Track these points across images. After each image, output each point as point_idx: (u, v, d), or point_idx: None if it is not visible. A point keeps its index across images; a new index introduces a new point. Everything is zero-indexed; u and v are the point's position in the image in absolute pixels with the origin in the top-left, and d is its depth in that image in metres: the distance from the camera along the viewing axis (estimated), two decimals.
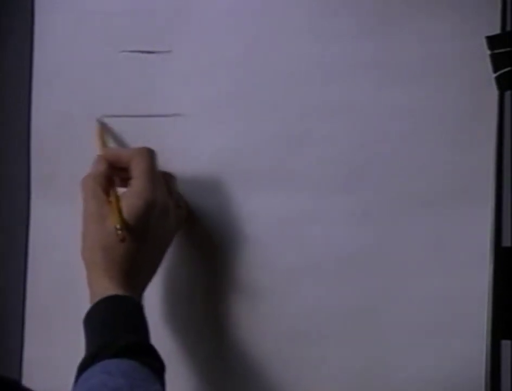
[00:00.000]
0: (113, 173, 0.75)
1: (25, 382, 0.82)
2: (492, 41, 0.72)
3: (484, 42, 0.72)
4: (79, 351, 0.80)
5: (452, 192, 0.75)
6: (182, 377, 0.79)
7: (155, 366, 0.68)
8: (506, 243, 0.73)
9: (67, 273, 0.83)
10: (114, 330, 0.69)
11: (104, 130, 0.80)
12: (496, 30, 0.73)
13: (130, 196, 0.72)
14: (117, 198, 0.72)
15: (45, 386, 0.82)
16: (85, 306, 0.81)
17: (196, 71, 0.80)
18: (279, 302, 0.78)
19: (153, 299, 0.78)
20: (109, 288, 0.70)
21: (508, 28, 0.73)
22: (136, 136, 0.81)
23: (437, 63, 0.75)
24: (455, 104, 0.74)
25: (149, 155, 0.74)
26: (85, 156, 0.82)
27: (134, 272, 0.71)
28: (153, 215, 0.72)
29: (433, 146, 0.75)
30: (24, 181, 0.84)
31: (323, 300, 0.77)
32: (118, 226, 0.70)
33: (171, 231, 0.76)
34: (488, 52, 0.72)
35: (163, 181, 0.75)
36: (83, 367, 0.67)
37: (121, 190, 0.75)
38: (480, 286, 0.73)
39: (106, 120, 0.82)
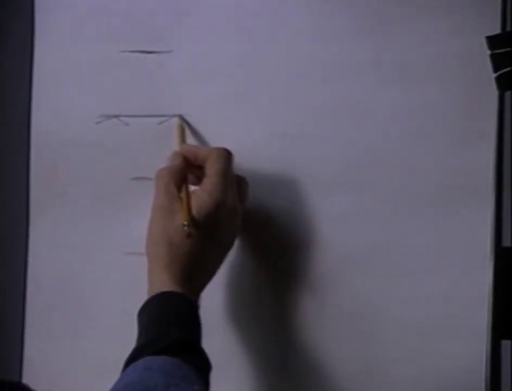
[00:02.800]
0: (188, 170, 0.75)
1: (25, 382, 0.82)
2: (492, 41, 0.71)
3: (484, 42, 0.72)
4: (79, 351, 0.81)
5: (452, 192, 0.75)
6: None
7: (200, 365, 0.67)
8: (506, 242, 0.73)
9: (67, 273, 0.83)
10: (163, 326, 0.68)
11: (185, 127, 0.80)
12: (496, 30, 0.73)
13: (201, 194, 0.72)
14: (188, 194, 0.72)
15: (45, 387, 0.82)
16: (86, 306, 0.81)
17: (196, 72, 0.80)
18: (280, 303, 0.78)
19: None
20: (167, 284, 0.70)
21: (508, 28, 0.73)
22: (136, 136, 0.81)
23: (437, 63, 0.75)
24: (455, 104, 0.75)
25: (226, 156, 0.74)
26: (86, 156, 0.83)
27: (196, 271, 0.71)
28: (221, 215, 0.72)
29: (433, 146, 0.75)
30: (24, 181, 0.84)
31: (322, 300, 0.77)
32: (185, 222, 0.70)
33: (236, 233, 0.76)
34: (489, 52, 0.72)
35: (235, 184, 0.75)
36: (130, 360, 0.67)
37: (194, 188, 0.74)
38: (480, 286, 0.73)
39: (106, 119, 0.82)
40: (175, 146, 0.78)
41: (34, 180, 0.84)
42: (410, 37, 0.76)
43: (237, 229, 0.75)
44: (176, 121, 0.80)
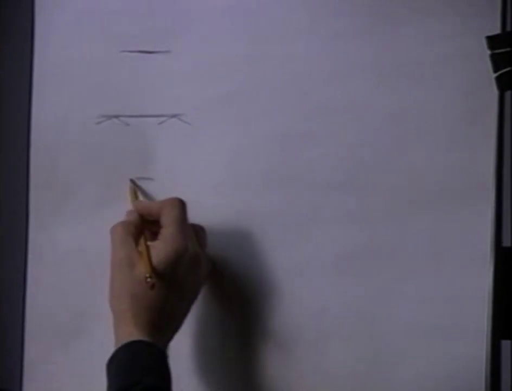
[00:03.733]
0: (144, 226, 0.75)
1: (26, 383, 0.82)
2: (492, 41, 0.72)
3: (484, 42, 0.72)
4: (79, 352, 0.80)
5: (451, 192, 0.75)
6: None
7: None
8: (506, 243, 0.73)
9: (67, 274, 0.83)
10: (134, 374, 0.68)
11: (136, 188, 0.81)
12: (496, 30, 0.73)
13: (159, 244, 0.72)
14: (147, 245, 0.72)
15: (45, 387, 0.82)
16: (85, 306, 0.81)
17: (195, 72, 0.80)
18: (278, 300, 0.78)
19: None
20: (134, 334, 0.70)
21: (508, 28, 0.73)
22: (136, 136, 0.81)
23: (437, 63, 0.75)
24: (455, 104, 0.75)
25: (179, 205, 0.75)
26: (86, 156, 0.83)
27: (161, 320, 0.71)
28: (183, 263, 0.72)
29: (433, 146, 0.75)
30: (24, 181, 0.84)
31: (322, 300, 0.77)
32: (147, 274, 0.70)
33: (201, 281, 0.76)
34: (489, 52, 0.72)
35: (193, 232, 0.75)
36: None
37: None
38: (480, 286, 0.73)
39: (106, 119, 0.82)
40: (129, 206, 0.78)
41: (34, 180, 0.84)
42: (410, 37, 0.76)
43: (201, 276, 0.75)
44: (128, 184, 0.81)
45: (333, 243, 0.77)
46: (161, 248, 0.72)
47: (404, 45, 0.76)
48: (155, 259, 0.71)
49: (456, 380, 0.73)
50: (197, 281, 0.75)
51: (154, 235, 0.75)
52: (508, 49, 0.71)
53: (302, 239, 0.78)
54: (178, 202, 0.75)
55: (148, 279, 0.69)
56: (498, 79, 0.72)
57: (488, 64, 0.72)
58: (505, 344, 0.72)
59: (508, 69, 0.71)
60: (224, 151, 0.80)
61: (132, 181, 0.81)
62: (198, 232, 0.76)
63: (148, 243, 0.73)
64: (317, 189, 0.78)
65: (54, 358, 0.83)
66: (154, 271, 0.70)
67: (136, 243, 0.74)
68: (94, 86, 0.83)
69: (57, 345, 0.83)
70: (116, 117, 0.82)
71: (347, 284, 0.77)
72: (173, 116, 0.81)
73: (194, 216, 0.78)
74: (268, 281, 0.78)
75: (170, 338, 0.73)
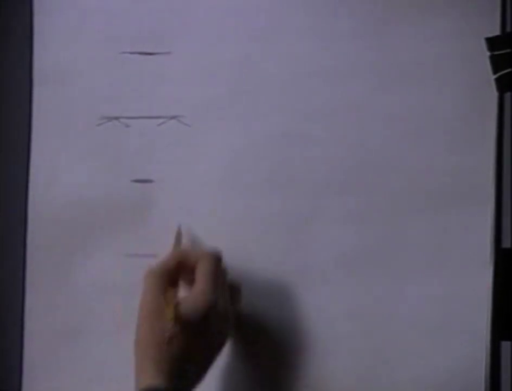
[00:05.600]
0: (180, 272, 0.75)
1: (26, 383, 0.82)
2: (492, 43, 0.72)
3: (484, 43, 0.72)
4: (80, 352, 0.80)
5: (452, 193, 0.75)
6: None
7: None
8: (506, 244, 0.73)
9: (67, 274, 0.83)
10: None
11: (181, 235, 0.80)
12: (496, 31, 0.73)
13: (191, 296, 0.72)
14: (176, 295, 0.73)
15: (45, 387, 0.82)
16: (86, 308, 0.81)
17: (195, 73, 0.80)
18: (278, 302, 0.78)
19: None
20: (156, 381, 0.70)
21: (508, 29, 0.73)
22: (136, 137, 0.81)
23: (437, 65, 0.75)
24: (455, 105, 0.75)
25: (215, 258, 0.75)
26: (86, 156, 0.83)
27: (183, 371, 0.71)
28: (211, 318, 0.72)
29: (433, 147, 0.75)
30: (24, 182, 0.84)
31: (322, 300, 0.77)
32: (171, 324, 0.70)
33: (226, 337, 0.76)
34: (488, 53, 0.72)
35: (227, 288, 0.75)
36: None
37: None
38: (480, 287, 0.73)
39: (107, 121, 0.82)
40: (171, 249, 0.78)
41: (33, 181, 0.84)
42: (410, 38, 0.76)
43: (227, 332, 0.75)
44: (177, 228, 0.80)
45: (333, 243, 0.77)
46: (191, 300, 0.72)
47: (404, 45, 0.76)
48: (184, 310, 0.71)
49: (456, 381, 0.73)
50: (223, 336, 0.75)
51: (190, 282, 0.75)
52: (508, 51, 0.71)
53: (302, 239, 0.78)
54: (213, 257, 0.75)
55: (170, 329, 0.70)
56: (498, 80, 0.72)
57: (488, 66, 0.72)
58: (505, 345, 0.72)
59: (508, 70, 0.71)
60: (224, 152, 0.80)
61: (179, 228, 0.80)
62: (233, 289, 0.77)
63: (180, 297, 0.73)
64: (317, 189, 0.78)
65: (54, 358, 0.82)
66: (179, 321, 0.70)
67: (169, 288, 0.74)
68: (94, 87, 0.83)
69: (57, 345, 0.83)
70: (117, 118, 0.82)
71: (347, 285, 0.77)
72: (173, 117, 0.81)
73: (194, 217, 0.78)
74: (268, 281, 0.78)
75: (193, 387, 0.73)
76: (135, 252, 0.80)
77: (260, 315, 0.78)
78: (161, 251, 0.80)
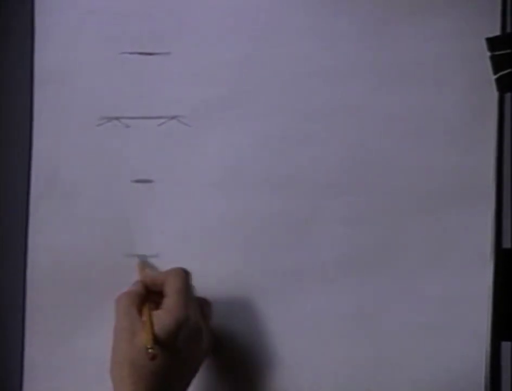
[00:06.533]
0: (148, 296, 0.76)
1: (26, 383, 0.82)
2: (493, 43, 0.72)
3: (484, 43, 0.72)
4: (80, 352, 0.80)
5: (452, 193, 0.75)
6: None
7: None
8: (506, 244, 0.73)
9: (67, 274, 0.83)
10: None
11: (145, 263, 0.81)
12: (496, 31, 0.73)
13: (161, 314, 0.72)
14: (150, 315, 0.72)
15: (45, 387, 0.82)
16: (85, 306, 0.81)
17: (195, 73, 0.80)
18: (280, 304, 0.78)
19: None
20: None
21: (508, 30, 0.73)
22: (136, 138, 0.81)
23: (437, 65, 0.75)
24: (455, 105, 0.75)
25: (182, 275, 0.75)
26: (86, 156, 0.83)
27: (162, 389, 0.71)
28: (184, 333, 0.72)
29: (433, 147, 0.75)
30: (25, 183, 0.84)
31: (322, 300, 0.77)
32: (148, 345, 0.69)
33: (202, 352, 0.75)
34: (489, 54, 0.72)
35: (197, 303, 0.75)
36: None
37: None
38: (481, 287, 0.73)
39: (107, 121, 0.82)
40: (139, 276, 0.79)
41: (34, 181, 0.84)
42: (410, 39, 0.76)
43: (203, 348, 0.75)
44: (137, 261, 0.81)
45: (333, 244, 0.77)
46: (162, 317, 0.72)
47: (404, 45, 0.76)
48: (157, 327, 0.71)
49: (457, 382, 0.73)
50: (199, 351, 0.75)
51: (158, 306, 0.74)
52: (508, 51, 0.71)
53: (302, 239, 0.78)
54: (181, 272, 0.75)
55: (150, 350, 0.69)
56: (498, 81, 0.72)
57: (488, 66, 0.72)
58: (505, 345, 0.72)
59: (508, 70, 0.71)
60: (224, 152, 0.80)
61: (141, 260, 0.81)
62: (203, 304, 0.77)
63: (151, 312, 0.73)
64: (317, 189, 0.78)
65: (54, 358, 0.82)
66: (155, 340, 0.70)
67: (140, 312, 0.74)
68: (94, 87, 0.83)
69: (57, 345, 0.83)
70: (117, 118, 0.82)
71: (347, 285, 0.77)
72: (173, 118, 0.81)
73: (194, 217, 0.78)
74: (268, 281, 0.78)
75: None
76: (135, 252, 0.80)
77: (258, 314, 0.78)
78: (162, 251, 0.80)
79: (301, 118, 0.78)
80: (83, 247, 0.82)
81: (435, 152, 0.75)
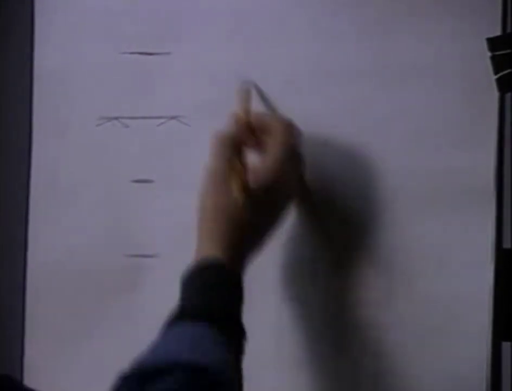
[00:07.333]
0: (250, 136, 0.73)
1: (26, 383, 0.82)
2: (493, 43, 0.72)
3: (485, 43, 0.72)
4: (80, 352, 0.80)
5: (452, 193, 0.75)
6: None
7: (232, 332, 0.66)
8: (506, 244, 0.73)
9: (67, 274, 0.83)
10: (204, 294, 0.67)
11: (250, 93, 0.78)
12: (496, 31, 0.73)
13: (259, 166, 0.71)
14: (244, 165, 0.70)
15: (45, 387, 0.82)
16: (85, 307, 0.81)
17: (195, 73, 0.80)
18: (276, 301, 0.78)
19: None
20: (214, 251, 0.68)
21: (508, 29, 0.73)
22: (136, 138, 0.82)
23: (438, 65, 0.75)
24: (456, 106, 0.74)
25: (292, 130, 0.73)
26: (86, 157, 0.83)
27: (244, 241, 0.70)
28: (277, 191, 0.71)
29: (433, 147, 0.75)
30: (25, 183, 0.84)
31: (323, 300, 0.77)
32: (239, 195, 0.68)
33: (288, 209, 0.74)
34: (489, 54, 0.72)
35: (299, 162, 0.74)
36: (166, 324, 0.66)
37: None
38: (481, 288, 0.73)
39: (106, 121, 0.82)
40: (239, 108, 0.75)
41: (35, 181, 0.84)
42: (411, 39, 0.76)
43: (290, 204, 0.74)
44: (245, 87, 0.77)
45: (333, 245, 0.77)
46: (259, 170, 0.70)
47: (404, 45, 0.76)
48: (251, 181, 0.69)
49: (457, 382, 0.73)
50: (287, 207, 0.73)
51: (260, 146, 0.72)
52: (508, 51, 0.71)
53: (302, 240, 0.78)
54: (290, 126, 0.73)
55: (238, 197, 0.68)
56: (499, 81, 0.72)
57: (489, 66, 0.72)
58: (505, 345, 0.72)
59: (508, 71, 0.71)
60: None
61: (247, 84, 0.78)
62: (302, 160, 0.75)
63: (250, 165, 0.71)
64: (317, 190, 0.78)
65: (54, 358, 0.83)
66: (247, 192, 0.69)
67: (237, 154, 0.71)
68: (94, 87, 0.83)
69: (57, 345, 0.83)
70: (116, 118, 0.82)
71: (347, 285, 0.77)
72: (173, 118, 0.81)
73: (194, 217, 0.78)
74: (265, 278, 0.78)
75: (250, 260, 0.71)
76: (135, 252, 0.80)
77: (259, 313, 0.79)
78: (162, 251, 0.80)
79: (301, 118, 0.78)
80: (83, 247, 0.83)
81: (435, 152, 0.75)
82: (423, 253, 0.75)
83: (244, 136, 0.73)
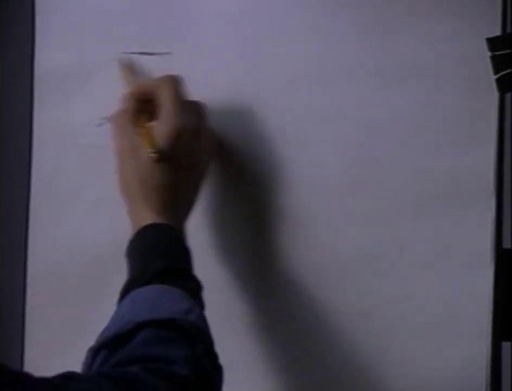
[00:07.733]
0: (142, 108, 0.75)
1: None
2: (493, 43, 0.71)
3: (485, 43, 0.72)
4: (79, 352, 0.80)
5: (452, 193, 0.75)
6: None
7: (190, 286, 0.68)
8: (506, 244, 0.73)
9: (67, 274, 0.83)
10: (148, 259, 0.69)
11: (130, 67, 0.79)
12: (496, 31, 0.73)
13: (159, 125, 0.72)
14: (148, 126, 0.72)
15: None
16: (85, 306, 0.81)
17: (195, 73, 0.80)
18: (277, 300, 0.78)
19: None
20: (148, 218, 0.71)
21: (508, 29, 0.73)
22: None
23: (438, 65, 0.75)
24: (456, 106, 0.74)
25: (174, 81, 0.74)
26: (87, 157, 0.83)
27: (172, 200, 0.72)
28: (184, 139, 0.72)
29: (433, 147, 0.75)
30: (25, 183, 0.84)
31: (323, 300, 0.77)
32: (150, 150, 0.70)
33: (206, 155, 0.76)
34: (489, 54, 0.72)
35: (193, 107, 0.75)
36: (119, 300, 0.69)
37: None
38: (481, 288, 0.73)
39: (107, 121, 0.82)
40: (124, 87, 0.77)
41: (35, 181, 0.84)
42: (411, 39, 0.75)
43: (205, 150, 0.75)
44: (119, 62, 0.80)
45: (333, 245, 0.77)
46: (160, 128, 0.72)
47: (404, 45, 0.76)
48: (157, 138, 0.71)
49: (457, 382, 0.73)
50: (202, 154, 0.75)
51: (153, 115, 0.74)
52: (508, 51, 0.71)
53: (302, 240, 0.78)
54: (172, 79, 0.74)
55: (152, 155, 0.69)
56: (499, 81, 0.72)
57: (489, 66, 0.72)
58: (505, 345, 0.72)
59: (508, 71, 0.71)
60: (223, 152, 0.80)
61: (124, 59, 0.80)
62: (198, 106, 0.76)
63: (148, 124, 0.73)
64: (317, 190, 0.78)
65: (54, 358, 0.83)
66: (156, 146, 0.70)
67: (136, 127, 0.73)
68: (94, 87, 0.83)
69: (57, 345, 0.83)
70: None
71: (348, 285, 0.77)
72: None
73: (197, 218, 0.78)
74: (267, 280, 0.78)
75: (185, 217, 0.74)
76: None
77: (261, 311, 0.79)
78: None
79: (301, 118, 0.78)
80: (83, 247, 0.83)
81: (435, 152, 0.75)
82: (423, 253, 0.75)
83: (139, 106, 0.75)
